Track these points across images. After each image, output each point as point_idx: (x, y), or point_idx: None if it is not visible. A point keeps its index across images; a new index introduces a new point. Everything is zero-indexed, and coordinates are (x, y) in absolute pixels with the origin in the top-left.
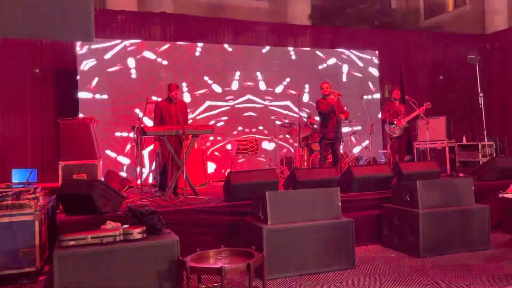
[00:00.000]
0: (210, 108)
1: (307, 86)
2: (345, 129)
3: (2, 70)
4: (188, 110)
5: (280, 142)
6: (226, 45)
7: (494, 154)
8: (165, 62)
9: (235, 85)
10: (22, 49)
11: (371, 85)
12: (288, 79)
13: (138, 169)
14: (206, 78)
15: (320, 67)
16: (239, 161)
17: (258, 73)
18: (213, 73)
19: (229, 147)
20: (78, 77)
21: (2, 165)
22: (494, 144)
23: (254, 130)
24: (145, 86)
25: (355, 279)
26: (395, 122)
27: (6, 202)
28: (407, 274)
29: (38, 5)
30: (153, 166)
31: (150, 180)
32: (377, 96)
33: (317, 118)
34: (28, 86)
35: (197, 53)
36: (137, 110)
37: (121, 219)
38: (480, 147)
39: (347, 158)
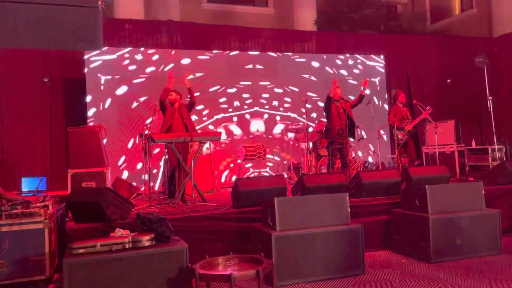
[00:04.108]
0: (217, 114)
1: (313, 91)
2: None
3: (12, 79)
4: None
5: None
6: (232, 52)
7: (504, 158)
8: (172, 70)
9: (241, 91)
10: (32, 58)
11: (377, 90)
12: (294, 85)
13: (146, 176)
14: (213, 84)
15: (326, 72)
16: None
17: (265, 79)
18: (220, 79)
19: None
20: (86, 86)
21: (11, 173)
22: (504, 148)
23: (264, 136)
24: (153, 93)
25: (365, 286)
26: (403, 127)
27: (16, 210)
28: (418, 280)
29: (47, 16)
30: (161, 173)
31: (157, 187)
32: (384, 100)
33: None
34: (37, 95)
35: (204, 60)
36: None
37: (130, 226)
38: (490, 151)
39: (355, 163)
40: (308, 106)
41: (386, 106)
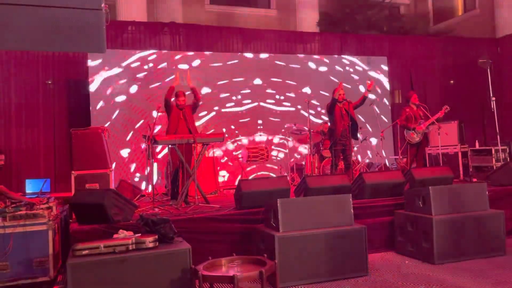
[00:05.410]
0: (220, 115)
1: (316, 92)
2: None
3: (16, 81)
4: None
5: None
6: (235, 53)
7: (508, 159)
8: (174, 71)
9: (244, 93)
10: (35, 60)
11: (380, 91)
12: (297, 86)
13: (148, 177)
14: (215, 86)
15: (329, 73)
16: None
17: (266, 80)
18: (222, 81)
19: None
20: (89, 88)
21: (16, 175)
22: (507, 149)
23: (267, 138)
24: (156, 95)
25: (368, 287)
26: (415, 128)
27: (20, 212)
28: (421, 281)
29: (50, 18)
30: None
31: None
32: (387, 102)
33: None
34: (41, 97)
35: (207, 62)
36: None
37: (133, 228)
38: (493, 151)
39: (359, 164)
40: (312, 112)
41: (389, 107)
